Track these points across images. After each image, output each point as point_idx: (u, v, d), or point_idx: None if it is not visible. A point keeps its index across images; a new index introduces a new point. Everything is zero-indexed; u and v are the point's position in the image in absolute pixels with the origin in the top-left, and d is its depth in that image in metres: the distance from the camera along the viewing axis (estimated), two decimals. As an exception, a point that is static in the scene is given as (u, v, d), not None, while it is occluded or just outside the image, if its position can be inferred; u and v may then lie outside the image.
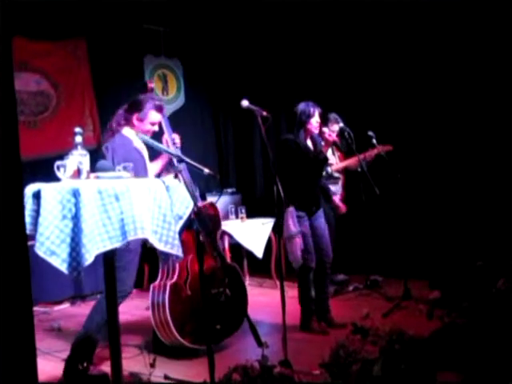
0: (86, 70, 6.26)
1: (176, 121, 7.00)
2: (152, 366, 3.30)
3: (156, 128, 3.78)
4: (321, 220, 4.46)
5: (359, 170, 5.24)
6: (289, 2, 6.29)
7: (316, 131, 4.41)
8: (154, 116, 3.71)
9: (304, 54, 6.68)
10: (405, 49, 5.86)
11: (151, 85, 4.06)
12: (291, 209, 4.20)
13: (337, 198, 5.50)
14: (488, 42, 5.26)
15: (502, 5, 4.91)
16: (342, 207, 5.52)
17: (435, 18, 5.57)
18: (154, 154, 3.79)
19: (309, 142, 4.43)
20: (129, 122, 3.72)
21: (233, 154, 7.67)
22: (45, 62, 5.94)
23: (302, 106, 4.34)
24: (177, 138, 3.91)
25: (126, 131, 3.71)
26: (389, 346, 2.64)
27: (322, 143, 4.47)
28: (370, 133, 5.17)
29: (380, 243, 5.91)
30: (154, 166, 3.81)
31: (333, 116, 5.54)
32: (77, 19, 5.98)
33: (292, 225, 4.14)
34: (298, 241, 4.12)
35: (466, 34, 5.41)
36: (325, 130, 4.54)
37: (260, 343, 2.88)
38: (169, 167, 3.83)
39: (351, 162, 5.42)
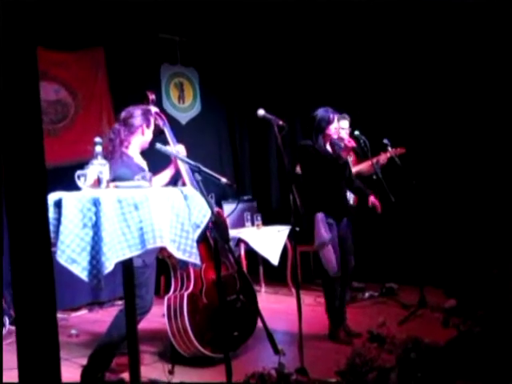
0: (104, 79, 6.36)
1: (192, 129, 7.09)
2: (171, 373, 3.33)
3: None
4: (346, 229, 4.38)
5: (374, 177, 5.22)
6: (303, 9, 6.33)
7: (335, 137, 4.41)
8: (153, 120, 3.63)
9: (318, 60, 6.71)
10: (421, 54, 5.85)
11: (152, 96, 3.82)
12: (321, 215, 4.15)
13: (372, 197, 4.84)
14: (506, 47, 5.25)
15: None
16: (378, 205, 4.79)
17: (452, 23, 5.56)
18: (156, 166, 3.60)
19: (328, 148, 4.39)
20: (133, 134, 3.52)
21: (248, 161, 7.72)
22: (63, 71, 6.05)
23: (321, 112, 4.28)
24: (182, 148, 3.62)
25: (131, 150, 3.53)
26: (405, 354, 2.64)
27: (342, 147, 4.45)
28: (386, 141, 5.15)
29: (396, 251, 5.90)
30: (160, 178, 3.55)
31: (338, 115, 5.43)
32: (95, 29, 6.09)
33: (324, 231, 4.10)
34: (331, 247, 4.10)
35: (484, 39, 5.40)
36: (343, 135, 4.51)
37: (277, 351, 2.88)
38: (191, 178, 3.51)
39: (364, 166, 5.41)
